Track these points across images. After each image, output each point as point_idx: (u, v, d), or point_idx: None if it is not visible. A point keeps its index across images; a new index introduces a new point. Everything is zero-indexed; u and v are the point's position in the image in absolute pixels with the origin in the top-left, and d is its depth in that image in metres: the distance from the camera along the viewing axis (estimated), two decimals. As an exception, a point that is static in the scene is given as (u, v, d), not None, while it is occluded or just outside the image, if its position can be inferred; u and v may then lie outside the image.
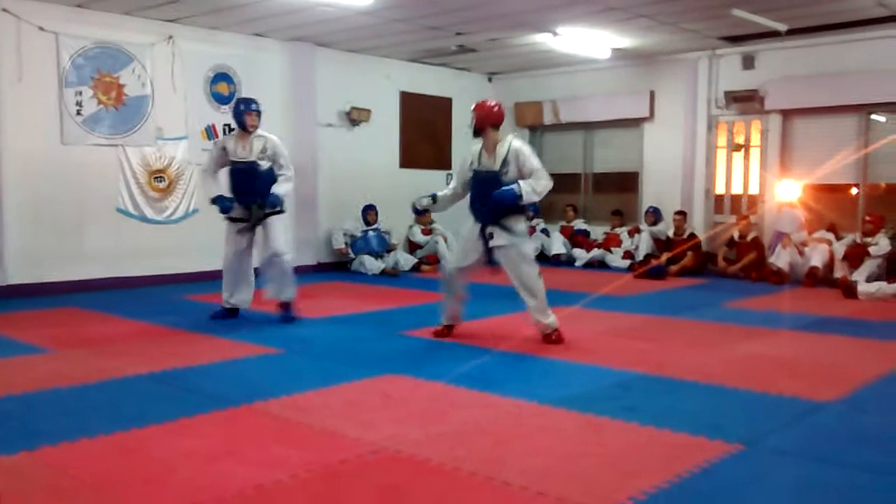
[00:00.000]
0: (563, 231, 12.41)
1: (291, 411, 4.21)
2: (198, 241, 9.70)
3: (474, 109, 6.03)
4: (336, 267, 11.17)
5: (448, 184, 12.72)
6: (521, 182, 5.78)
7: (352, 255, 11.04)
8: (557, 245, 12.17)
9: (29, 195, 8.56)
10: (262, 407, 4.28)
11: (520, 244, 5.94)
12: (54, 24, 8.59)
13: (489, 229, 5.93)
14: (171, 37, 9.50)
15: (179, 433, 3.82)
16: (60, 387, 4.70)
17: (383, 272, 10.76)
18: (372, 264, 10.82)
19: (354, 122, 11.48)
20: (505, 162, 5.87)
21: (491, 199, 5.79)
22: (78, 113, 8.81)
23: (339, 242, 11.12)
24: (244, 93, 10.20)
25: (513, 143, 5.97)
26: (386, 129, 12.03)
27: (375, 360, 5.52)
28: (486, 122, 5.96)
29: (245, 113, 6.81)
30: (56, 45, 8.63)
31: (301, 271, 10.64)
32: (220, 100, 10.03)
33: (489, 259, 6.02)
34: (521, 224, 5.98)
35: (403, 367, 5.22)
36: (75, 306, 7.77)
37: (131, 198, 9.31)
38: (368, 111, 11.53)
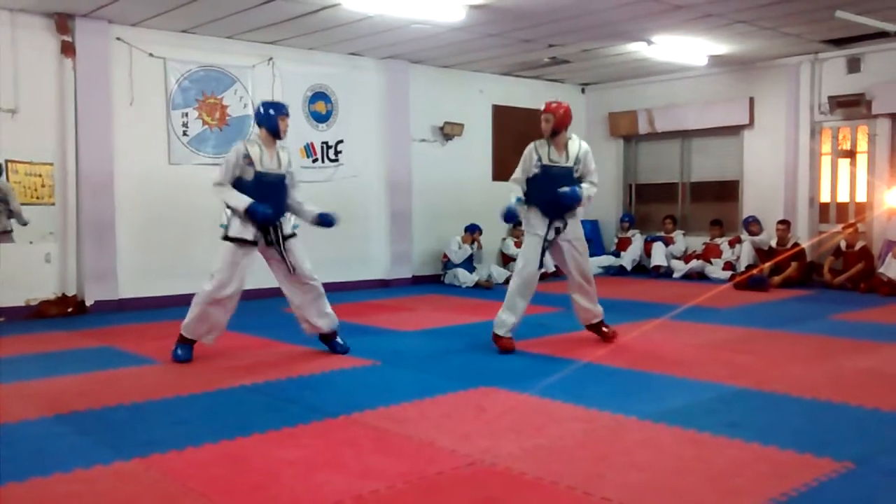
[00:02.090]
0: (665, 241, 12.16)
1: (388, 422, 4.27)
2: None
3: (550, 111, 6.15)
4: (430, 280, 11.29)
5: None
6: (583, 185, 6.18)
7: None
8: (658, 256, 11.95)
9: (139, 213, 9.00)
10: (359, 418, 4.36)
11: (582, 236, 6.31)
12: (162, 49, 9.03)
13: (557, 223, 6.14)
14: (271, 58, 9.83)
15: (281, 443, 3.93)
16: (169, 397, 4.91)
17: (477, 285, 10.80)
18: (465, 277, 10.87)
19: (448, 137, 11.60)
20: (577, 160, 6.20)
21: (562, 195, 6.03)
22: (184, 133, 9.22)
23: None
24: (341, 111, 10.48)
25: (582, 142, 6.30)
26: (479, 142, 12.10)
27: (470, 372, 5.55)
28: (564, 123, 6.18)
29: (279, 117, 5.92)
30: (164, 69, 9.07)
31: (397, 284, 10.87)
32: (318, 118, 10.30)
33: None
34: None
35: (498, 380, 5.23)
36: (182, 320, 8.07)
37: (234, 214, 9.63)
38: (461, 125, 11.63)
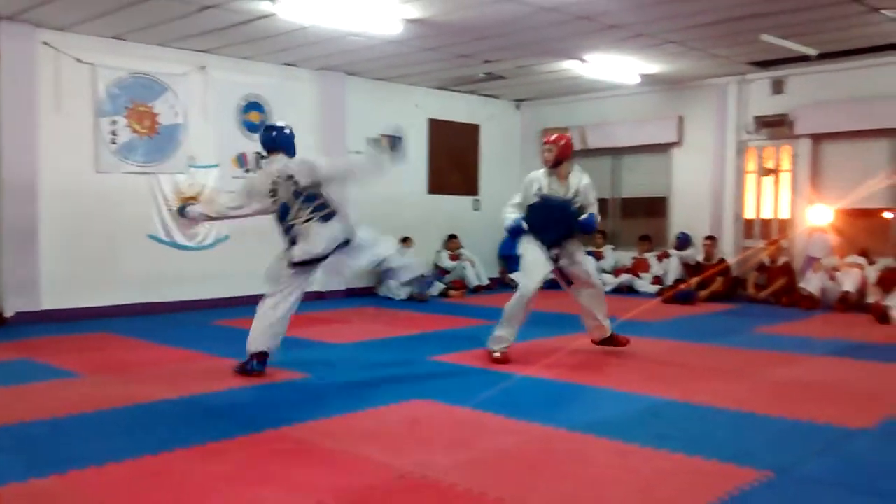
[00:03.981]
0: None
1: (318, 436, 4.22)
2: (228, 267, 9.82)
3: (553, 143, 6.38)
4: (364, 292, 11.22)
5: (475, 208, 12.87)
6: (592, 213, 6.39)
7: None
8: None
9: (64, 222, 8.73)
10: (288, 432, 4.30)
11: (582, 259, 6.51)
12: (91, 55, 8.80)
13: (555, 251, 6.32)
14: (203, 67, 9.68)
15: (207, 458, 3.85)
16: (89, 411, 4.76)
17: (410, 297, 10.78)
18: (399, 290, 10.85)
19: (382, 150, 11.56)
20: (577, 192, 6.35)
21: (584, 224, 6.36)
22: (112, 142, 8.99)
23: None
24: (274, 121, 10.35)
25: (584, 175, 6.47)
26: (414, 155, 12.09)
27: (403, 384, 5.53)
28: (566, 155, 6.40)
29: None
30: (92, 75, 8.84)
31: (330, 297, 10.77)
32: (252, 128, 10.17)
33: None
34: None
35: (431, 393, 5.22)
36: (107, 331, 7.87)
37: (163, 224, 9.45)
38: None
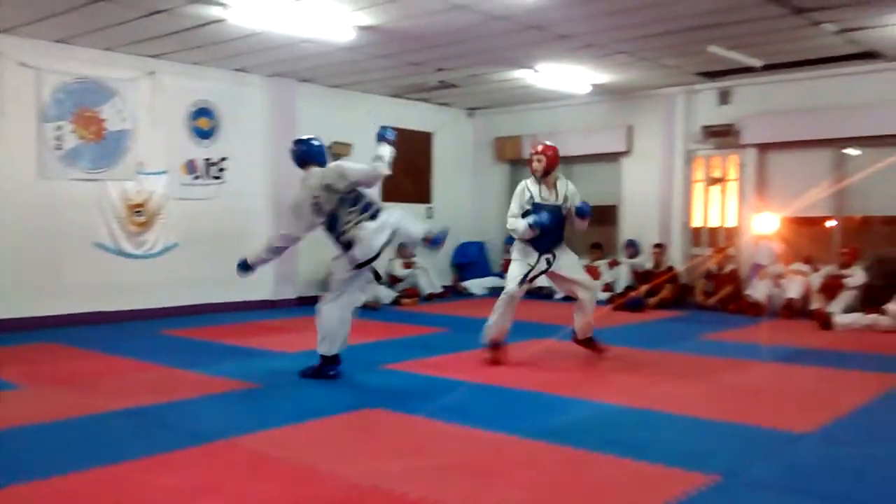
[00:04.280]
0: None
1: (268, 446, 4.18)
2: (176, 275, 9.67)
3: (542, 153, 6.69)
4: (315, 301, 11.08)
5: (428, 216, 12.88)
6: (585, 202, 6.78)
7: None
8: (541, 278, 12.18)
9: (6, 230, 8.49)
10: (238, 442, 4.24)
11: (575, 262, 6.91)
12: (36, 59, 8.60)
13: (547, 256, 6.64)
14: (152, 72, 9.53)
15: (155, 470, 3.79)
16: (33, 423, 4.64)
17: (363, 306, 10.71)
18: (352, 298, 10.79)
19: (336, 157, 11.48)
20: (566, 198, 6.73)
21: (582, 210, 6.68)
22: (57, 148, 8.79)
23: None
24: (224, 128, 10.25)
25: (569, 182, 6.89)
26: (367, 163, 12.05)
27: (355, 394, 5.51)
28: (555, 164, 6.73)
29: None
30: (37, 80, 8.64)
31: (282, 305, 10.67)
32: (201, 134, 10.05)
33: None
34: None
35: (383, 402, 5.20)
36: (52, 342, 7.69)
37: (110, 232, 9.26)
38: (350, 146, 11.58)
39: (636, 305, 10.30)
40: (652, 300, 10.53)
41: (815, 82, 10.13)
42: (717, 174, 11.25)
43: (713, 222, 11.35)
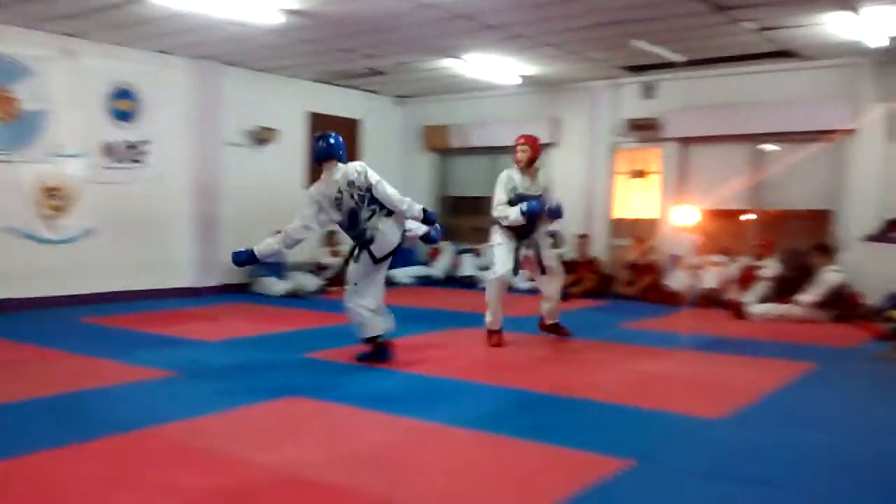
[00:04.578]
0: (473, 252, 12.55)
1: (188, 436, 4.12)
2: (95, 261, 9.40)
3: (528, 143, 6.99)
4: (239, 288, 10.96)
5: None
6: (559, 202, 7.05)
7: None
8: (468, 267, 12.29)
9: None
10: (158, 431, 4.17)
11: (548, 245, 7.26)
12: (-57, 34, 8.24)
13: (526, 241, 6.92)
14: (71, 51, 9.21)
15: (71, 460, 3.69)
16: (-59, 413, 4.47)
17: (288, 293, 10.63)
18: (276, 285, 10.67)
19: (261, 142, 11.36)
20: (545, 188, 7.00)
21: (555, 212, 6.95)
22: (-33, 127, 8.44)
23: None
24: (146, 110, 9.99)
25: (546, 172, 7.18)
26: (293, 149, 11.93)
27: (277, 382, 5.45)
28: (538, 154, 7.08)
29: None
30: (-56, 55, 8.27)
31: (205, 293, 10.48)
32: (121, 116, 9.77)
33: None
34: None
35: (307, 390, 5.17)
36: None
37: (23, 216, 8.92)
38: (276, 131, 11.44)
39: (565, 295, 10.42)
40: (575, 290, 10.70)
41: (735, 79, 10.44)
42: (639, 167, 11.49)
43: (636, 214, 11.60)
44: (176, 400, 4.94)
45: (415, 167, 13.66)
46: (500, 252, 6.91)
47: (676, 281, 10.25)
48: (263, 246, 6.19)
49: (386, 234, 5.94)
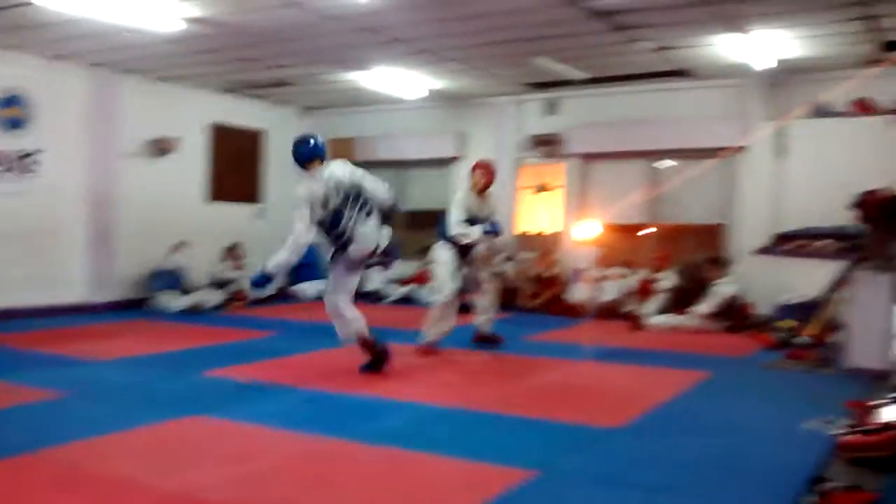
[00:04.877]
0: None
1: (81, 458, 3.94)
2: None
3: (485, 168, 7.48)
4: (136, 304, 10.60)
5: (259, 216, 12.61)
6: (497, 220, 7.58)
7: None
8: (374, 281, 12.21)
9: None
10: (47, 455, 3.97)
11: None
12: None
13: (468, 258, 7.42)
14: (-47, 55, 8.77)
15: (-53, 487, 3.48)
16: None
17: (188, 309, 10.33)
18: (175, 301, 10.37)
19: (161, 153, 11.04)
20: (493, 211, 7.52)
21: (494, 229, 7.42)
22: None
23: None
24: (38, 118, 9.58)
25: (495, 197, 7.74)
26: (195, 160, 11.65)
27: (176, 401, 5.29)
28: (493, 181, 7.52)
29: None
30: None
31: (98, 310, 10.07)
32: (12, 124, 9.33)
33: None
34: None
35: (208, 409, 5.03)
36: None
37: None
38: (177, 141, 11.14)
39: (465, 308, 10.48)
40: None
41: (633, 97, 10.77)
42: (543, 182, 11.70)
43: (540, 228, 11.80)
44: (67, 422, 4.72)
45: (462, 191, 13.48)
46: (446, 271, 7.29)
47: (578, 293, 10.47)
48: (274, 262, 6.03)
49: (366, 236, 6.04)
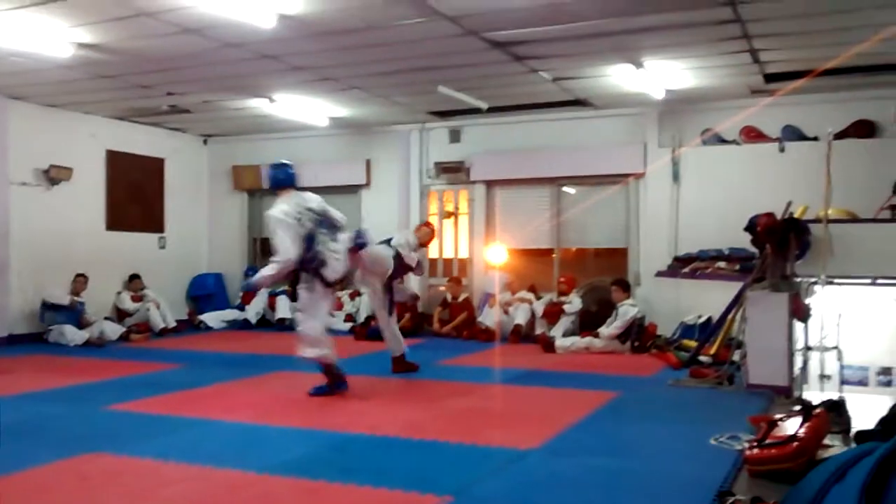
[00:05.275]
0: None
1: (-34, 504, 3.70)
2: None
3: (427, 227, 8.48)
4: (32, 338, 10.10)
5: (162, 247, 12.24)
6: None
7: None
8: (282, 310, 11.99)
9: None
10: (-72, 502, 3.71)
11: None
12: None
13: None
14: None
15: None
16: None
17: (87, 343, 9.90)
18: (74, 334, 9.92)
19: (54, 181, 10.60)
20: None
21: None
22: None
23: None
24: None
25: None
26: (90, 188, 11.24)
27: (72, 438, 5.03)
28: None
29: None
30: None
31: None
32: None
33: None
34: None
35: (106, 445, 4.81)
36: None
37: None
38: (70, 169, 10.71)
39: (377, 335, 10.41)
40: (390, 329, 10.71)
41: (536, 125, 11.00)
42: (449, 208, 11.79)
43: (448, 253, 11.85)
44: (-49, 465, 4.43)
45: (224, 208, 13.27)
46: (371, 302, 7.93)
47: (488, 318, 10.55)
48: (260, 275, 6.39)
49: (338, 259, 6.36)
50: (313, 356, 6.34)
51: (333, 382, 6.40)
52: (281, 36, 7.15)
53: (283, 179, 6.48)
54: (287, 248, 6.12)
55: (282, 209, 6.22)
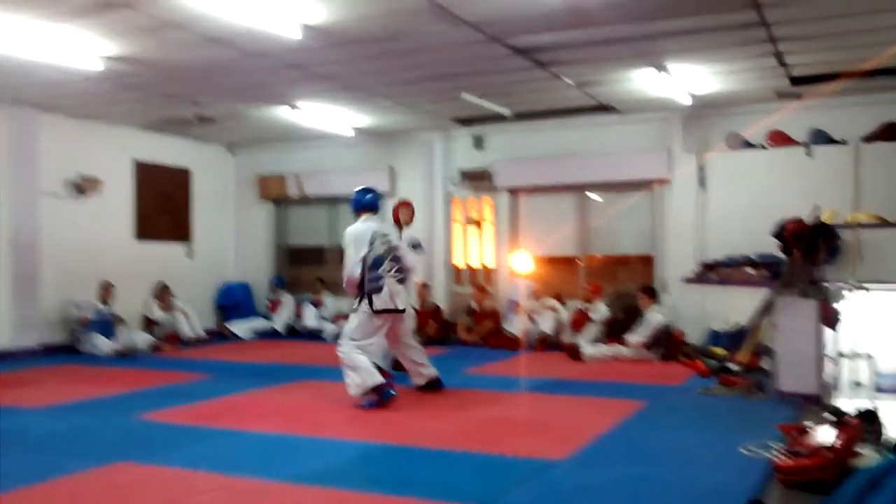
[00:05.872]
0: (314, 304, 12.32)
1: (0, 513, 3.75)
2: None
3: (406, 206, 7.78)
4: (63, 349, 10.22)
5: (189, 257, 12.34)
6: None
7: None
8: (309, 318, 12.06)
9: None
10: (-37, 511, 3.77)
11: None
12: None
13: None
14: None
15: None
16: None
17: (117, 353, 10.00)
18: (104, 345, 10.03)
19: (83, 192, 10.73)
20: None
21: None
22: None
23: None
24: None
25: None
26: (119, 199, 11.37)
27: (104, 448, 5.09)
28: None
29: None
30: None
31: (21, 355, 9.66)
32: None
33: None
34: None
35: (136, 454, 4.85)
36: None
37: None
38: (99, 181, 10.85)
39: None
40: (417, 337, 10.70)
41: (560, 131, 10.96)
42: (474, 215, 11.78)
43: (473, 261, 11.84)
44: (-14, 475, 4.49)
45: (250, 217, 13.37)
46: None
47: (514, 326, 10.51)
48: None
49: (393, 294, 6.52)
50: (352, 394, 6.37)
51: (381, 392, 6.35)
52: (306, 45, 7.18)
53: (364, 202, 6.82)
54: (349, 265, 6.56)
55: (354, 228, 6.66)
